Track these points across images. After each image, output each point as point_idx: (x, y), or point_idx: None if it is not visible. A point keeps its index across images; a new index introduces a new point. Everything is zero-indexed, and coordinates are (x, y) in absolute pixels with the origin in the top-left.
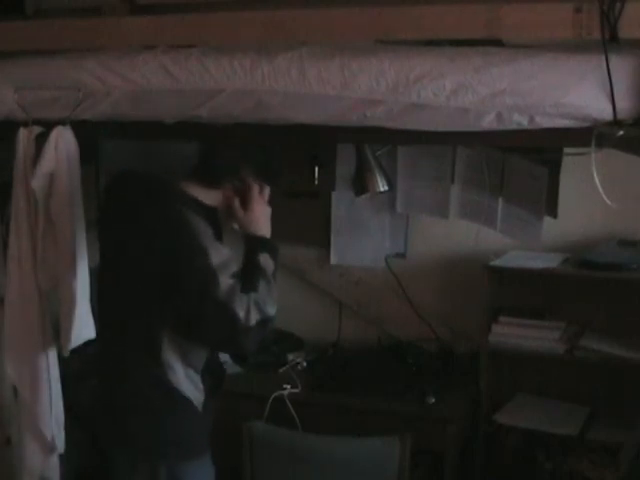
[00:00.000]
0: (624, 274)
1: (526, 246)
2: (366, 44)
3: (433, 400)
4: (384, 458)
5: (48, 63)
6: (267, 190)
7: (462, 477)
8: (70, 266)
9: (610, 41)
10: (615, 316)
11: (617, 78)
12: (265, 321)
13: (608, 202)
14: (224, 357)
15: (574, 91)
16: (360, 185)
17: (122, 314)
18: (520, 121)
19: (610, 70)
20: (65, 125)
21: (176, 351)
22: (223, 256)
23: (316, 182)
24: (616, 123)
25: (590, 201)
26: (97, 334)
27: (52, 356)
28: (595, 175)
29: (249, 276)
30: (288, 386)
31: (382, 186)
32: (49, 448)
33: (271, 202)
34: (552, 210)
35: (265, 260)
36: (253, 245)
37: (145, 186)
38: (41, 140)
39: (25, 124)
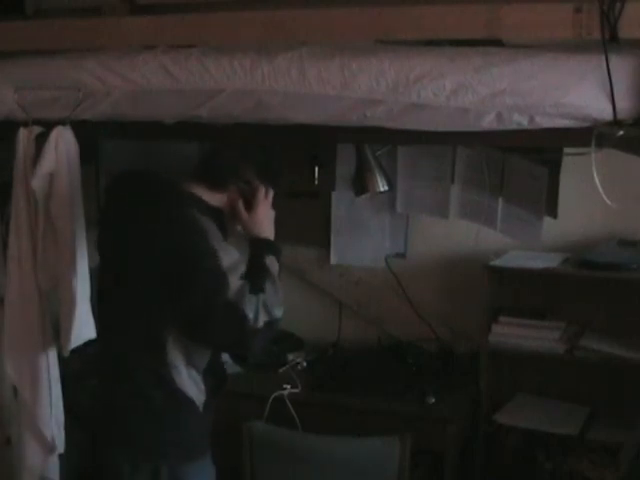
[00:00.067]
0: (624, 274)
1: (526, 246)
2: (366, 44)
3: (433, 400)
4: (384, 458)
5: (48, 63)
6: (271, 193)
7: (462, 477)
8: (70, 266)
9: (610, 41)
10: (615, 316)
11: (617, 78)
12: (272, 323)
13: (608, 202)
14: (224, 357)
15: (574, 91)
16: (360, 185)
17: (125, 314)
18: (520, 121)
19: (610, 70)
20: (65, 125)
21: (180, 351)
22: (232, 257)
23: (316, 182)
24: (616, 123)
25: (590, 201)
26: (97, 334)
27: (52, 356)
28: (595, 175)
29: (256, 278)
30: (288, 386)
31: (382, 186)
32: (49, 448)
33: (273, 203)
34: (552, 210)
35: (271, 262)
36: (259, 247)
37: (152, 186)
38: (41, 140)
39: (25, 124)
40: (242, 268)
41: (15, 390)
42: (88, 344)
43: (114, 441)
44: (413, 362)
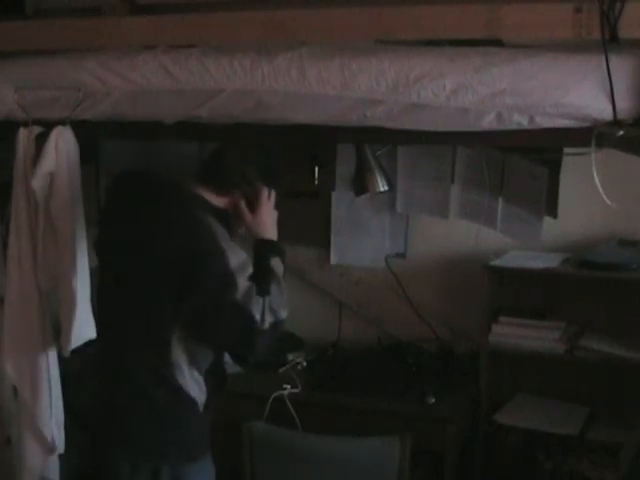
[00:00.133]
0: (624, 274)
1: (526, 246)
2: (366, 44)
3: (433, 400)
4: (384, 458)
5: (48, 63)
6: (273, 194)
7: (462, 477)
8: (70, 266)
9: (610, 41)
10: (615, 316)
11: (617, 78)
12: (277, 324)
13: (608, 202)
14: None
15: (574, 91)
16: (360, 185)
17: (129, 314)
18: (520, 121)
19: (610, 70)
20: (65, 125)
21: (184, 351)
22: (240, 258)
23: (316, 182)
24: (616, 123)
25: (590, 201)
26: (97, 334)
27: (52, 356)
28: (595, 175)
29: (261, 279)
30: (288, 386)
31: (382, 186)
32: (49, 448)
33: (275, 204)
34: (552, 210)
35: (276, 263)
36: (263, 249)
37: (157, 187)
38: (41, 140)
39: (25, 124)
40: (249, 269)
41: (15, 390)
42: (88, 344)
43: (114, 441)
44: (413, 362)
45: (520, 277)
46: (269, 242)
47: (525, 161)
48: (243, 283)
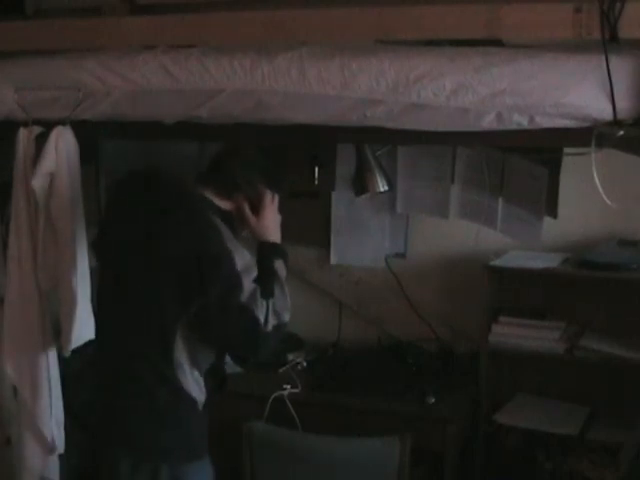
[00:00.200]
0: (624, 274)
1: (526, 246)
2: (366, 44)
3: (433, 400)
4: (384, 458)
5: (48, 63)
6: (277, 198)
7: (462, 477)
8: (70, 266)
9: (610, 41)
10: (615, 316)
11: (617, 78)
12: (280, 326)
13: (608, 202)
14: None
15: (574, 91)
16: (360, 185)
17: (131, 313)
18: (520, 121)
19: (610, 70)
20: (65, 125)
21: (186, 351)
22: (245, 259)
23: (316, 182)
24: (616, 123)
25: (590, 201)
26: (98, 333)
27: (52, 356)
28: (595, 175)
29: (265, 282)
30: (288, 386)
31: (382, 186)
32: (49, 448)
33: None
34: (552, 210)
35: (279, 266)
36: (267, 251)
37: (165, 188)
38: (41, 140)
39: (25, 124)
40: (254, 271)
41: (15, 390)
42: (88, 344)
43: (114, 441)
44: (413, 362)
45: (520, 277)
46: (273, 245)
47: (525, 161)
48: (248, 285)
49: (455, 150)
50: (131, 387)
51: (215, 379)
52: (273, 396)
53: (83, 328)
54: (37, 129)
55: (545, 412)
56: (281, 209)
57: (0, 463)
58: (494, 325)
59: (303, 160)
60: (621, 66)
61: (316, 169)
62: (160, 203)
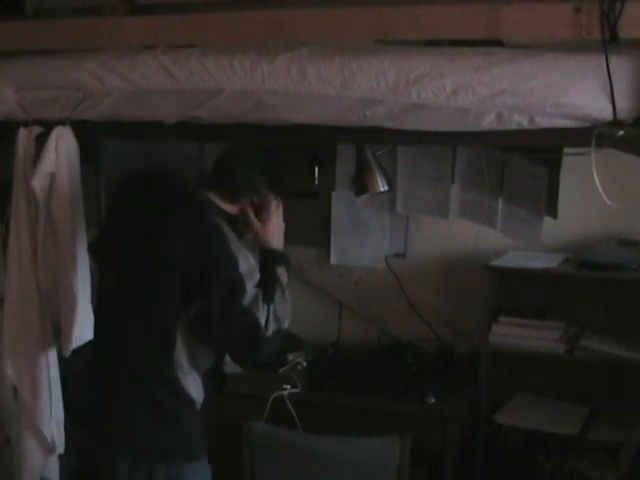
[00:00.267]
0: (624, 274)
1: (526, 246)
2: (366, 44)
3: (433, 400)
4: (384, 458)
5: (48, 63)
6: (281, 205)
7: (462, 477)
8: (70, 266)
9: (610, 41)
10: (615, 316)
11: (617, 78)
12: (279, 332)
13: (608, 202)
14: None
15: (574, 91)
16: (360, 185)
17: (132, 313)
18: (520, 121)
19: (610, 70)
20: (65, 125)
21: (186, 352)
22: (249, 263)
23: (316, 182)
24: (616, 123)
25: (590, 201)
26: (98, 334)
27: (52, 356)
28: (595, 175)
29: (267, 287)
30: (288, 386)
31: (382, 186)
32: (49, 448)
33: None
34: (552, 210)
35: (282, 273)
36: (270, 257)
37: (171, 188)
38: (41, 140)
39: (25, 124)
40: (257, 275)
41: (15, 390)
42: (88, 344)
43: (113, 440)
44: (413, 362)
45: (520, 277)
46: (276, 252)
47: (525, 161)
48: (251, 289)
49: (455, 150)
50: (131, 387)
51: (215, 380)
52: (273, 396)
53: (83, 328)
54: (37, 129)
55: (545, 412)
56: (283, 212)
57: (0, 463)
58: (494, 325)
59: (303, 160)
60: (621, 66)
61: (316, 169)
62: (162, 203)
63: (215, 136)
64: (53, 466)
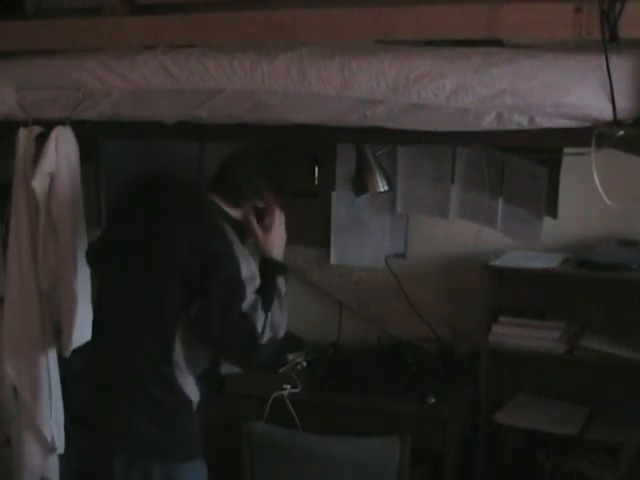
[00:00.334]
0: (624, 274)
1: (526, 246)
2: (366, 44)
3: (433, 400)
4: (384, 458)
5: (48, 63)
6: (284, 216)
7: (462, 477)
8: (70, 266)
9: (610, 41)
10: (615, 316)
11: (617, 78)
12: (274, 341)
13: (608, 202)
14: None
15: (574, 91)
16: (360, 185)
17: (131, 313)
18: (520, 121)
19: (610, 70)
20: (65, 125)
21: (184, 353)
22: (251, 268)
23: (316, 182)
24: (616, 123)
25: (590, 201)
26: (98, 334)
27: (52, 356)
28: (595, 175)
29: (266, 295)
30: (288, 386)
31: (382, 186)
32: (49, 448)
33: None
34: (552, 210)
35: (281, 283)
36: (271, 267)
37: (175, 189)
38: (41, 140)
39: (25, 124)
40: (257, 281)
41: (15, 390)
42: (88, 344)
43: (112, 440)
44: (413, 362)
45: (520, 277)
46: (276, 262)
47: (525, 161)
48: (250, 294)
49: (455, 150)
50: (131, 387)
51: (212, 382)
52: (273, 396)
53: (83, 328)
54: (37, 129)
55: (545, 412)
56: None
57: (0, 463)
58: (494, 325)
59: (303, 160)
60: (621, 66)
61: (316, 169)
62: (163, 203)
63: (215, 136)
64: (53, 466)
